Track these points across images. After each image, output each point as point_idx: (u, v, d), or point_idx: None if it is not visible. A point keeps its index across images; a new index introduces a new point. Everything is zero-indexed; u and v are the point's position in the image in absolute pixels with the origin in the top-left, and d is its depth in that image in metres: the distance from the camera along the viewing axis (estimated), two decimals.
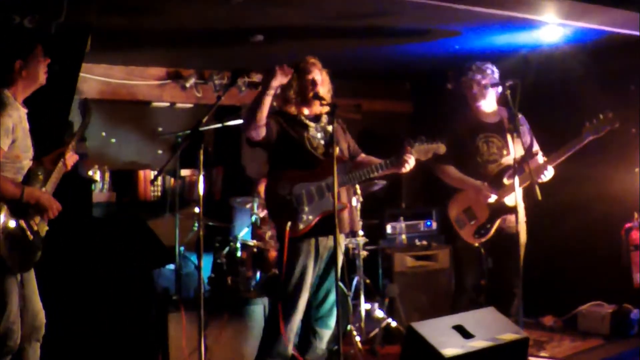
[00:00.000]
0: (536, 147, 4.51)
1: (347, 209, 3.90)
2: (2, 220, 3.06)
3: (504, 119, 4.45)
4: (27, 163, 3.26)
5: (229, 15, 4.33)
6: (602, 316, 5.22)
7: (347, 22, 4.61)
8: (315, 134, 3.88)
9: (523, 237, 4.36)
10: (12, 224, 3.12)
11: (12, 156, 3.16)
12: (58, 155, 3.41)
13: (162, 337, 4.34)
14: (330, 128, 3.88)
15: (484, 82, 4.41)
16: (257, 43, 4.89)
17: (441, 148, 3.88)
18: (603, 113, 4.18)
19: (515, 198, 4.22)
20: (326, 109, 3.89)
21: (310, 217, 3.75)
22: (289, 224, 3.70)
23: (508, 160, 4.40)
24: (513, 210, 4.26)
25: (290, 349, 3.82)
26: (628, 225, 5.30)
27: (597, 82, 5.26)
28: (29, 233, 3.19)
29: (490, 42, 5.16)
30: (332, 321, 3.96)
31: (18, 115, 3.18)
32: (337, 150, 3.87)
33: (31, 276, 3.33)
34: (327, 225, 3.70)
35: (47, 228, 3.32)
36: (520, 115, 4.30)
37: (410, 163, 3.80)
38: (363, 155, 4.10)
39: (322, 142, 3.89)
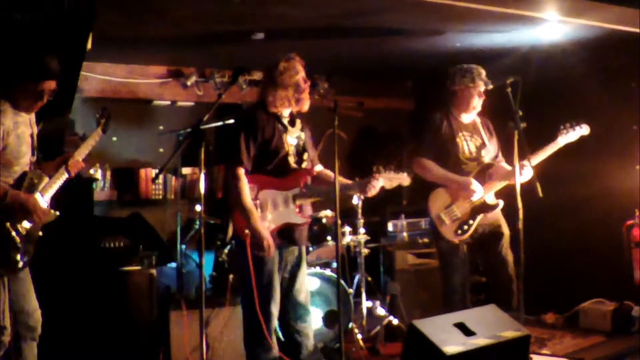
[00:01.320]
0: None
1: (307, 224, 3.85)
2: None
3: (477, 122, 4.55)
4: (19, 169, 3.27)
5: (229, 13, 4.33)
6: (604, 313, 5.23)
7: (348, 20, 4.60)
8: (292, 139, 3.81)
9: (506, 231, 4.46)
10: None
11: (4, 161, 3.18)
12: (61, 162, 3.42)
13: (163, 335, 4.35)
14: (303, 135, 3.86)
15: (483, 90, 4.43)
16: (258, 41, 4.89)
17: (405, 180, 3.79)
18: (576, 120, 4.27)
19: (516, 196, 4.22)
20: (299, 110, 3.84)
21: (272, 225, 3.68)
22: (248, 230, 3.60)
23: (488, 158, 4.48)
24: (493, 207, 4.40)
25: (276, 351, 3.75)
26: (629, 222, 5.31)
27: (597, 79, 5.26)
28: (14, 234, 3.20)
29: (491, 40, 5.16)
30: (309, 315, 3.90)
31: (13, 122, 3.21)
32: (307, 159, 3.84)
33: (25, 275, 3.33)
34: (287, 236, 3.70)
35: (40, 233, 3.32)
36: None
37: (376, 188, 3.72)
38: (321, 167, 4.01)
39: (294, 150, 3.81)
